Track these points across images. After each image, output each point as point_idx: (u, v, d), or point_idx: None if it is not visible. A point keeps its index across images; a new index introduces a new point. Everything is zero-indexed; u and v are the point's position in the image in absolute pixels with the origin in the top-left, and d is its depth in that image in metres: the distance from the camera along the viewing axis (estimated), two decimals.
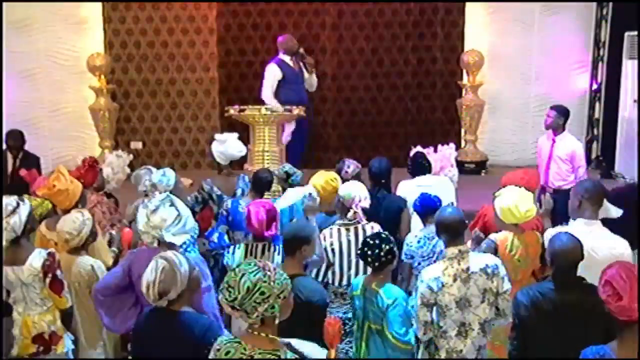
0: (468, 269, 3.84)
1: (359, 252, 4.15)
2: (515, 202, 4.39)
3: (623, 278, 2.81)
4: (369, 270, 4.22)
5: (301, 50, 8.33)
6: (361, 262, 4.56)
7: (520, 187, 4.64)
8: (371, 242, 4.06)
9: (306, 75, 8.36)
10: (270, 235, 4.42)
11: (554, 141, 6.61)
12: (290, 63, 8.32)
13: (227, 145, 6.09)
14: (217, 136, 6.25)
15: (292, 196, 5.14)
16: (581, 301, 3.44)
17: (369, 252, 4.03)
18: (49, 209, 4.96)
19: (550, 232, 4.34)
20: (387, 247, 4.04)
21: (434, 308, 3.87)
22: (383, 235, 4.13)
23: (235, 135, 6.27)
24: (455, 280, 3.83)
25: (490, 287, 3.85)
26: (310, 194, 4.84)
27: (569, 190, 6.42)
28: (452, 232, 3.92)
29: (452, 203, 5.20)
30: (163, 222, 3.81)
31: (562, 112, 6.61)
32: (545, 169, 6.63)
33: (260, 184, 5.45)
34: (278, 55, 8.45)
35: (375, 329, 4.07)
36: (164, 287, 3.16)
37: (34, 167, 6.91)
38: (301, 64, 8.35)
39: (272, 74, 8.27)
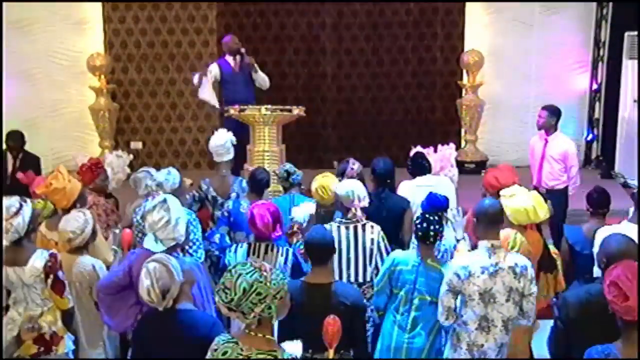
0: (497, 264, 3.88)
1: (418, 228, 4.20)
2: (532, 205, 4.41)
3: (628, 278, 2.79)
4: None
5: (242, 50, 8.25)
6: (360, 260, 4.64)
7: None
8: (431, 218, 4.18)
9: (253, 74, 8.30)
10: (275, 237, 4.44)
11: (546, 141, 6.61)
12: (232, 64, 8.24)
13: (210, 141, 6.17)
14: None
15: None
16: None
17: (432, 229, 4.14)
18: (52, 210, 4.96)
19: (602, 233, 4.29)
20: (442, 224, 4.22)
21: (459, 296, 3.93)
22: (439, 213, 4.25)
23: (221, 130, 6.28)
24: (482, 272, 3.87)
25: (517, 286, 3.88)
26: None
27: (562, 190, 6.51)
28: (488, 223, 3.97)
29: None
30: (154, 224, 3.82)
31: (554, 112, 6.60)
32: (538, 169, 6.63)
33: (259, 185, 5.45)
34: (224, 56, 8.38)
35: (429, 301, 4.15)
36: (164, 284, 3.16)
37: (34, 168, 6.91)
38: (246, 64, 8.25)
39: (210, 72, 8.23)
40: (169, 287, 3.17)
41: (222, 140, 5.99)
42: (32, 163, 7.21)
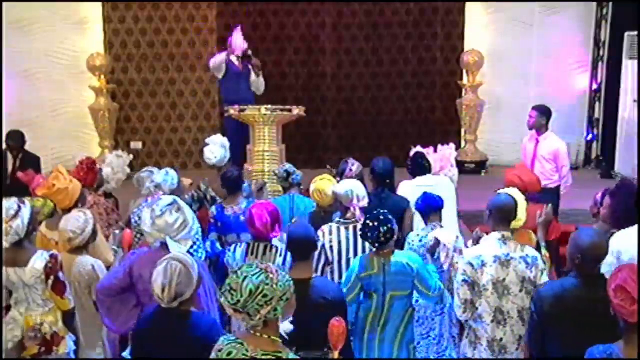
0: (508, 254, 3.93)
1: (360, 232, 4.27)
2: None
3: (635, 280, 2.80)
4: None
5: (249, 52, 8.27)
6: None
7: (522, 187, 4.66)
8: (370, 224, 4.17)
9: (253, 77, 8.29)
10: (274, 237, 4.43)
11: (537, 141, 6.63)
12: (236, 63, 8.26)
13: (204, 150, 6.17)
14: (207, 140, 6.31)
15: None
16: (606, 297, 3.42)
17: (369, 234, 4.17)
18: (52, 208, 4.96)
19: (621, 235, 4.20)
20: (386, 227, 4.15)
21: (475, 288, 3.96)
22: (381, 217, 4.20)
23: (213, 138, 6.26)
24: (495, 261, 3.91)
25: (529, 276, 3.91)
26: None
27: (554, 189, 6.52)
28: (501, 217, 4.03)
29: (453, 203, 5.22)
30: (169, 227, 3.79)
31: (544, 112, 6.62)
32: (530, 169, 6.63)
33: (232, 183, 5.44)
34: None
35: (398, 296, 4.19)
36: (181, 289, 3.15)
37: (34, 168, 6.90)
38: (250, 65, 8.24)
39: (219, 55, 8.25)
40: (184, 292, 3.16)
41: (218, 155, 6.05)
42: (32, 163, 7.20)
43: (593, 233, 3.55)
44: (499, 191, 4.66)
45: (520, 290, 3.91)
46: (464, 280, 3.97)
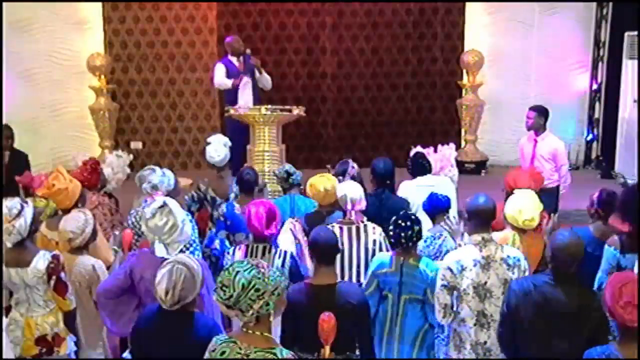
0: (489, 257, 3.91)
1: (390, 233, 4.25)
2: (520, 208, 4.42)
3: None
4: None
5: (248, 51, 8.27)
6: (362, 262, 4.61)
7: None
8: (403, 224, 4.17)
9: (257, 75, 8.31)
10: (270, 234, 4.41)
11: (535, 141, 6.63)
12: (237, 64, 8.26)
13: (207, 149, 6.17)
14: (209, 139, 6.31)
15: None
16: (576, 298, 3.47)
17: (402, 234, 4.15)
18: (54, 209, 4.96)
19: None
20: (417, 227, 4.18)
21: (454, 293, 3.95)
22: (412, 217, 4.21)
23: (216, 137, 6.26)
24: (474, 265, 3.90)
25: (511, 277, 3.89)
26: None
27: (554, 189, 6.53)
28: (480, 219, 4.01)
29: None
30: (159, 230, 3.80)
31: (542, 112, 6.63)
32: (534, 174, 6.63)
33: (248, 184, 5.48)
34: (227, 56, 8.39)
35: (414, 299, 4.19)
36: (185, 293, 3.15)
37: (23, 165, 6.85)
38: (252, 64, 8.26)
39: (219, 68, 8.23)
40: (187, 296, 3.16)
41: (222, 154, 6.05)
42: (20, 160, 7.11)
43: (568, 234, 3.56)
44: (515, 192, 4.66)
45: (503, 293, 3.87)
46: (443, 286, 3.96)
